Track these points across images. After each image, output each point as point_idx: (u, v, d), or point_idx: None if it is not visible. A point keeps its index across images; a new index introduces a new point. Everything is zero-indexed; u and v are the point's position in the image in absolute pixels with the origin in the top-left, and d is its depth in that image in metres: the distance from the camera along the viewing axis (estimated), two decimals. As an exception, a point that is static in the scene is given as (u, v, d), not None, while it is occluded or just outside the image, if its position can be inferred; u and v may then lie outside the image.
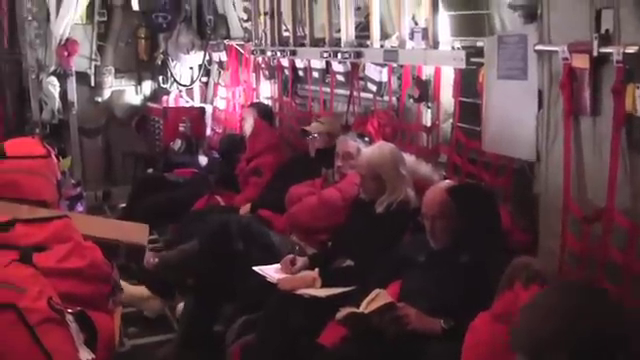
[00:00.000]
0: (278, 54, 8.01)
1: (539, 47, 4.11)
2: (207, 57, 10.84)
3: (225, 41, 10.14)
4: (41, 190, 5.34)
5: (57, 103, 10.72)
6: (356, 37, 6.60)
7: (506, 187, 4.87)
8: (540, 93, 4.21)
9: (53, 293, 3.43)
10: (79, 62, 10.98)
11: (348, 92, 7.05)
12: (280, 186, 6.62)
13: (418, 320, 4.01)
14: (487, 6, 5.15)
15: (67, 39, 10.47)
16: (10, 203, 4.94)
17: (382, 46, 6.13)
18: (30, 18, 10.59)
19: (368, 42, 6.33)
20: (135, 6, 11.16)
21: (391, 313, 4.02)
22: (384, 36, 6.23)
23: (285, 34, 8.01)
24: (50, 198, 5.38)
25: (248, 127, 8.01)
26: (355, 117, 6.86)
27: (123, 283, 4.70)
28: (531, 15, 4.27)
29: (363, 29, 6.63)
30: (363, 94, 6.82)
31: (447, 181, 4.81)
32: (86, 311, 3.58)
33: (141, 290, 6.46)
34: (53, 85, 10.65)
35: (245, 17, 9.26)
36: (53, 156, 6.00)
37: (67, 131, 11.01)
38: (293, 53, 7.65)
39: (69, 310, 3.43)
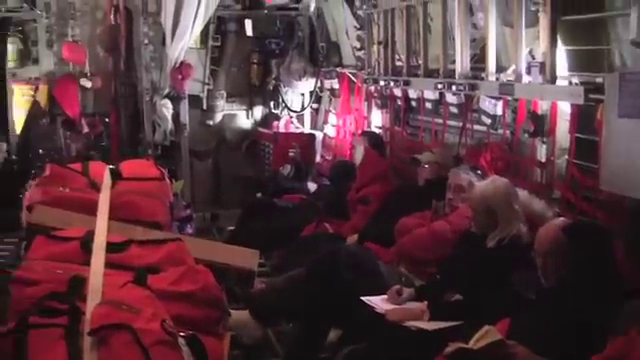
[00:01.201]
0: (391, 84, 8.00)
1: (664, 85, 4.00)
2: (319, 84, 10.92)
3: (337, 69, 10.21)
4: (155, 212, 5.45)
5: (169, 125, 10.95)
6: (471, 69, 6.54)
7: (622, 226, 4.74)
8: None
9: (166, 315, 3.49)
10: (192, 86, 11.22)
11: (461, 124, 6.99)
12: (388, 217, 6.61)
13: (527, 359, 3.93)
14: (607, 42, 5.04)
15: (181, 63, 10.69)
16: (125, 224, 5.05)
17: (497, 79, 6.04)
18: (146, 42, 10.91)
19: (483, 74, 6.25)
20: (249, 32, 11.31)
21: (500, 350, 3.94)
22: (499, 69, 6.15)
23: (398, 64, 8.01)
24: (163, 220, 5.49)
25: (358, 155, 8.03)
26: (467, 149, 6.79)
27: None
28: (656, 52, 4.17)
29: (478, 61, 6.56)
30: (476, 126, 6.76)
31: (561, 218, 4.70)
32: (197, 335, 3.62)
33: (242, 315, 6.47)
34: (166, 107, 10.88)
35: (358, 45, 9.28)
36: (167, 178, 6.13)
37: (178, 153, 11.24)
38: (406, 83, 7.63)
39: (181, 333, 3.47)
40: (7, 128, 10.72)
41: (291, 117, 11.53)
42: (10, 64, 10.72)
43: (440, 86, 6.79)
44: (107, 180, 5.71)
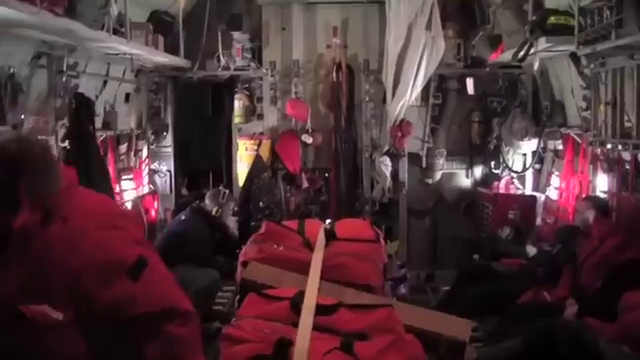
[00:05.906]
0: (619, 147, 7.60)
1: None
2: (541, 144, 10.57)
3: (562, 129, 9.85)
4: (368, 275, 5.38)
5: (388, 182, 10.98)
6: None
7: None
8: None
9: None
10: (412, 143, 11.26)
11: (695, 192, 6.54)
12: (612, 291, 6.22)
13: None
14: None
15: (401, 120, 10.70)
16: (336, 285, 5.00)
17: None
18: (367, 99, 11.13)
19: None
20: (470, 90, 11.20)
21: None
22: None
23: (627, 125, 7.59)
24: (375, 283, 5.41)
25: (580, 222, 7.74)
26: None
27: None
28: None
29: None
30: None
31: None
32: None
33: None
34: (385, 165, 10.93)
35: (584, 105, 8.92)
36: (382, 240, 6.06)
37: (396, 210, 11.26)
38: (636, 147, 7.22)
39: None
40: (232, 182, 11.09)
41: (512, 178, 11.27)
42: (236, 119, 11.26)
43: (673, 151, 6.38)
44: (321, 240, 5.72)
